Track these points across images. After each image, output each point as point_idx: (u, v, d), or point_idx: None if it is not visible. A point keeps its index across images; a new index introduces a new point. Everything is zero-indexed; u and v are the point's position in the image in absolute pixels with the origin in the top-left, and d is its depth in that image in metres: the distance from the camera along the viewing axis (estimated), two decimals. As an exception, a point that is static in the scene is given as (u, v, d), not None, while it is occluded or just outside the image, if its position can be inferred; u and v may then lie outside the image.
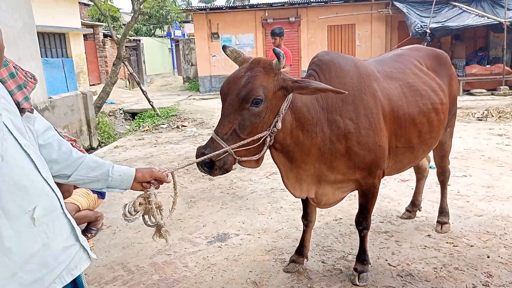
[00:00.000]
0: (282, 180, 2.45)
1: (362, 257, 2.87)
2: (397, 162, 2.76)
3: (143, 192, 1.65)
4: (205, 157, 1.93)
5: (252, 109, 2.00)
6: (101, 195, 3.86)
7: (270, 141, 2.12)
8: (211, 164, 1.98)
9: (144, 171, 1.62)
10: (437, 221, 3.57)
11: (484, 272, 2.86)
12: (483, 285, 2.72)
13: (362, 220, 2.77)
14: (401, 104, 2.61)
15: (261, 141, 2.08)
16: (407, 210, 3.84)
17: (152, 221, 1.69)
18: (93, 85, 16.34)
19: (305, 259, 3.03)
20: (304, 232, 3.01)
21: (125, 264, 3.25)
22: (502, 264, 2.96)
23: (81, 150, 3.87)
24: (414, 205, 3.82)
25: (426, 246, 3.28)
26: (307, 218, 2.96)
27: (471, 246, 3.24)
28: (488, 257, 3.06)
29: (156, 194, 1.66)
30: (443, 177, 3.60)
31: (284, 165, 2.36)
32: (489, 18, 12.43)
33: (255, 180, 5.18)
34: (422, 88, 2.79)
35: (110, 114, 11.31)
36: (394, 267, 3.00)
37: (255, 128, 2.03)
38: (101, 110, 10.51)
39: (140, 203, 1.64)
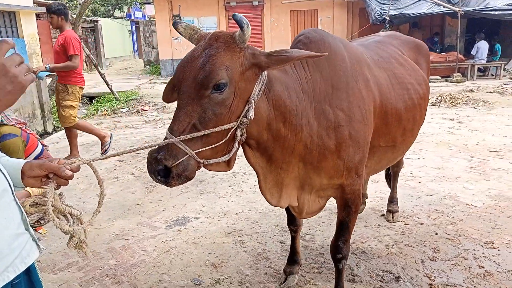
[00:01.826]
0: (259, 185, 2.03)
1: None
2: (377, 163, 2.44)
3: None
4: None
5: (214, 96, 1.58)
6: (54, 180, 3.72)
7: (241, 135, 1.71)
8: (166, 171, 1.57)
9: (34, 163, 1.31)
10: (388, 210, 3.56)
11: (432, 248, 3.02)
12: (430, 260, 2.88)
13: (342, 245, 2.29)
14: (390, 97, 2.30)
15: (229, 137, 1.67)
16: None
17: (63, 224, 1.33)
18: (48, 67, 15.56)
19: (300, 266, 2.74)
20: (294, 238, 2.69)
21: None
22: (449, 240, 3.14)
23: (32, 134, 3.73)
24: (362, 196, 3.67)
25: (379, 225, 3.42)
26: (294, 223, 2.61)
27: (421, 224, 3.41)
28: (436, 233, 3.24)
29: (57, 193, 1.33)
30: (397, 168, 3.52)
31: (262, 166, 1.96)
32: (444, 6, 12.88)
33: (216, 164, 5.16)
34: (408, 81, 2.51)
35: (66, 97, 10.85)
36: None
37: (220, 120, 1.62)
38: (56, 93, 10.06)
39: (35, 203, 1.31)
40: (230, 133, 1.67)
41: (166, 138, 1.59)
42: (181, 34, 1.82)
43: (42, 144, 3.85)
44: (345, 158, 2.02)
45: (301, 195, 2.14)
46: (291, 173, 2.03)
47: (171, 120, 1.65)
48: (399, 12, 12.99)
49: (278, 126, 1.84)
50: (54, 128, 8.16)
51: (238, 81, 1.64)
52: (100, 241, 3.28)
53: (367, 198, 3.75)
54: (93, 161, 1.36)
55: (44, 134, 7.72)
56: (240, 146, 1.81)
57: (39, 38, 15.04)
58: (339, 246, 2.29)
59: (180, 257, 3.01)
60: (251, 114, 1.67)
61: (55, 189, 1.30)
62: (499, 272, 2.69)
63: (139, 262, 2.97)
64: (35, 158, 3.66)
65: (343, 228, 2.26)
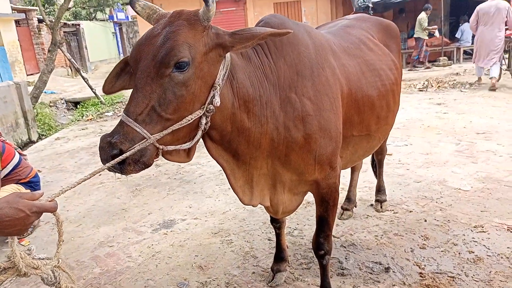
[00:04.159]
0: (228, 181, 1.91)
1: None
2: (353, 154, 2.37)
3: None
4: (114, 161, 1.39)
5: (175, 76, 1.48)
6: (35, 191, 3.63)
7: (206, 123, 1.62)
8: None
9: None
10: (376, 200, 3.50)
11: (422, 236, 2.98)
12: (420, 248, 2.84)
13: (323, 241, 2.21)
14: (360, 85, 2.22)
15: (193, 123, 1.57)
16: (344, 209, 3.40)
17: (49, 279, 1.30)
18: (31, 74, 15.31)
19: (288, 263, 2.68)
20: (278, 235, 2.61)
21: (64, 260, 3.08)
22: (438, 226, 3.10)
23: (7, 143, 3.62)
24: (350, 201, 3.45)
25: (368, 215, 3.37)
26: (277, 220, 2.52)
27: (409, 211, 3.37)
28: (425, 220, 3.19)
29: (24, 249, 1.26)
30: (381, 155, 3.43)
31: (228, 160, 1.85)
32: (427, -10, 12.87)
33: (203, 164, 5.09)
34: (380, 67, 2.42)
35: (51, 104, 10.67)
36: (338, 238, 3.05)
37: (182, 104, 1.51)
38: (40, 100, 9.91)
39: (3, 268, 1.21)
40: (193, 120, 1.57)
41: (121, 120, 1.47)
42: (138, 14, 1.70)
43: (20, 154, 3.75)
44: (316, 151, 1.92)
45: (275, 194, 2.04)
46: (260, 169, 1.93)
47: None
48: (382, -1, 12.93)
49: (242, 117, 1.75)
50: (39, 136, 8.03)
51: (201, 61, 1.54)
52: (84, 250, 3.20)
53: (355, 207, 3.48)
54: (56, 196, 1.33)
55: (29, 142, 7.60)
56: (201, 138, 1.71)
57: (20, 46, 14.82)
58: (320, 242, 2.22)
59: (166, 261, 2.95)
60: (217, 101, 1.58)
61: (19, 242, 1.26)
62: (489, 256, 2.66)
63: (124, 269, 2.90)
64: (12, 169, 3.55)
65: (323, 223, 2.19)
